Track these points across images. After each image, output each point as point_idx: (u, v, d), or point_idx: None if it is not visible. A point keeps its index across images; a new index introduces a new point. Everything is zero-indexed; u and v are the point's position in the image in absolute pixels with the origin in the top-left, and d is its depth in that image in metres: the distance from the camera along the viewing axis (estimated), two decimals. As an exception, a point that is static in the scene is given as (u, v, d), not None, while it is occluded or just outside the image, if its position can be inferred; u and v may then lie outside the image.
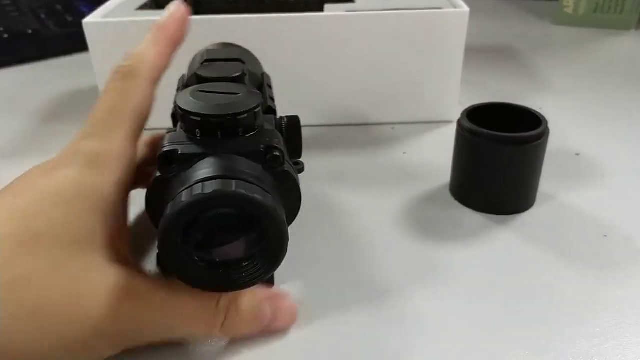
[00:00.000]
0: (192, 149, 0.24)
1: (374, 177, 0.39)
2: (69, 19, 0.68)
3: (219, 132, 0.24)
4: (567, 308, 0.27)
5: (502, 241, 0.32)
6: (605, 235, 0.32)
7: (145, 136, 0.29)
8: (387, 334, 0.26)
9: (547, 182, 0.36)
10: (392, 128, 0.47)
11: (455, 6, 0.45)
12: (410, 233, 0.33)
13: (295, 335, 0.26)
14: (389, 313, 0.27)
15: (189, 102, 0.25)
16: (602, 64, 0.61)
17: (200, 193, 0.21)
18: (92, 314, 0.21)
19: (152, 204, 0.24)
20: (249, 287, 0.23)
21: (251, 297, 0.25)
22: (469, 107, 0.35)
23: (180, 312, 0.23)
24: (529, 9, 0.81)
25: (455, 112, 0.47)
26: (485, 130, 0.32)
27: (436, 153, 0.42)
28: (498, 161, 0.33)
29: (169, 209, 0.21)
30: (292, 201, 0.25)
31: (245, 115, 0.25)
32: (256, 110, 0.25)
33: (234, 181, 0.21)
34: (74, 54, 0.65)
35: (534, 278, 0.29)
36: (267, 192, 0.22)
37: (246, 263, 0.23)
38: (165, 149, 0.24)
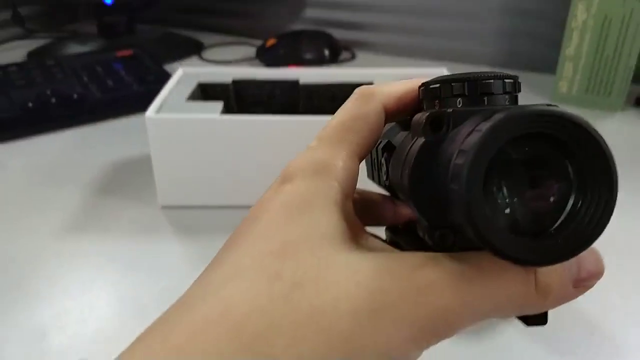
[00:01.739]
0: (463, 110, 0.20)
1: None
2: (110, 83, 0.74)
3: (486, 98, 0.21)
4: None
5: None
6: (592, 334, 0.39)
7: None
8: None
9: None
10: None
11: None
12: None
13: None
14: None
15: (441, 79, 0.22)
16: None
17: (530, 109, 0.17)
18: (393, 306, 0.18)
19: (418, 177, 0.20)
20: (574, 255, 0.18)
21: None
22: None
23: (485, 281, 0.19)
24: (530, 83, 0.88)
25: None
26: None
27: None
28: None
29: (485, 126, 0.17)
30: None
31: (512, 80, 0.21)
32: (518, 80, 0.22)
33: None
34: (118, 117, 0.71)
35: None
36: None
37: (570, 220, 0.18)
38: (431, 111, 0.21)
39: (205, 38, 1.04)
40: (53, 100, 0.69)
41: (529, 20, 0.89)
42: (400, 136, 0.25)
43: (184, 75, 0.57)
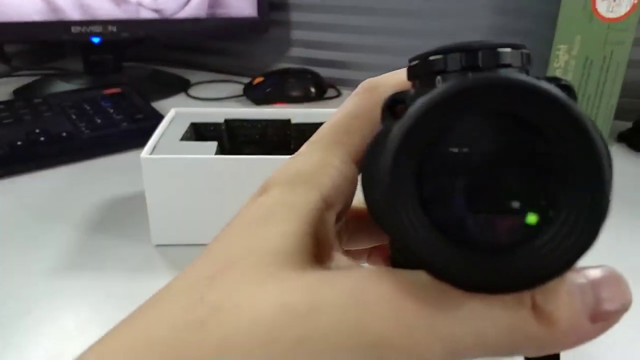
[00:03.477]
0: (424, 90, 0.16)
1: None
2: (98, 121, 0.74)
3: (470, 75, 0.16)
4: None
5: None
6: None
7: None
8: None
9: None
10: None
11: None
12: None
13: None
14: None
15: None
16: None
17: (471, 79, 0.13)
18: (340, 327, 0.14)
19: (371, 175, 0.17)
20: (546, 281, 0.13)
21: None
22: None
23: (459, 303, 0.14)
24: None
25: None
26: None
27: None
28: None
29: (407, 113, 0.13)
30: None
31: (511, 50, 0.16)
32: (525, 51, 0.17)
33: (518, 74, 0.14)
34: (108, 155, 0.70)
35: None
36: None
37: (540, 237, 0.13)
38: (390, 95, 0.18)
39: (191, 76, 1.05)
40: (42, 138, 0.69)
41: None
42: None
43: (176, 115, 0.58)
